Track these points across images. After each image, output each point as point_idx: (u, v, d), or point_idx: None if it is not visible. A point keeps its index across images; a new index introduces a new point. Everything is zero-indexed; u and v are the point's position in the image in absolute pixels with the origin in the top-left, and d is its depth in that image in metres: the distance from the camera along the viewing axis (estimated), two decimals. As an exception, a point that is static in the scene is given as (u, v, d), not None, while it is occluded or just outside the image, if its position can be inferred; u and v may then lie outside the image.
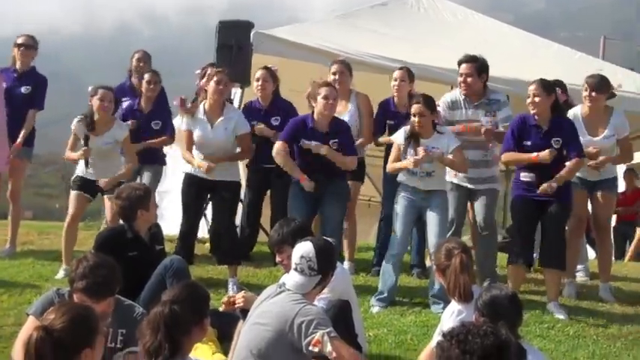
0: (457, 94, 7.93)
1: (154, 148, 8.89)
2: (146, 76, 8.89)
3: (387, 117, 8.45)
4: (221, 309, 5.33)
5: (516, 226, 7.60)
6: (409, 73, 8.45)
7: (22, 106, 8.69)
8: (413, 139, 7.31)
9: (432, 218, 7.26)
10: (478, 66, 7.76)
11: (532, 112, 7.28)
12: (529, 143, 7.29)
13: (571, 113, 7.75)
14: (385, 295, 7.21)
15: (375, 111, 8.56)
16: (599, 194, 7.92)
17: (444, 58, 9.62)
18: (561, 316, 7.07)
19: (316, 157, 7.43)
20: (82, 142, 7.89)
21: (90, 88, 8.06)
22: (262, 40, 9.50)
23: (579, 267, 8.55)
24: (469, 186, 7.81)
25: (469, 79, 7.74)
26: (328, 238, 5.24)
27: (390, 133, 8.20)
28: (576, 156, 7.23)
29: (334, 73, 8.30)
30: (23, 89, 8.74)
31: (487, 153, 7.85)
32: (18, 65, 8.83)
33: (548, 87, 7.31)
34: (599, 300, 7.73)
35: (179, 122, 8.25)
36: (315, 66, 9.09)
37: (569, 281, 7.93)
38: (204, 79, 7.99)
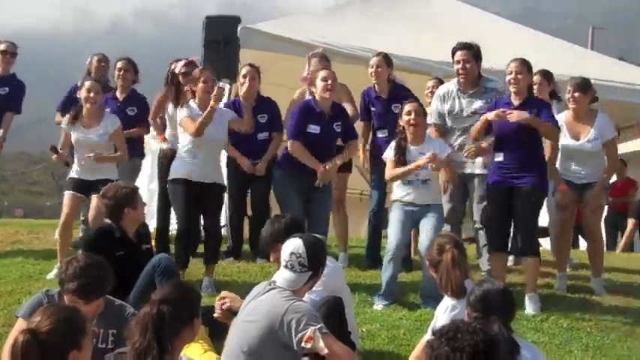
0: (450, 85, 7.88)
1: (131, 140, 8.69)
2: (119, 64, 8.91)
3: (370, 104, 8.42)
4: (216, 315, 5.25)
5: (489, 214, 7.43)
6: (386, 59, 8.37)
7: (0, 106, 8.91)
8: (403, 147, 7.27)
9: (426, 225, 7.19)
10: (474, 52, 7.73)
11: (512, 89, 7.21)
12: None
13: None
14: (386, 302, 7.08)
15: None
16: (588, 196, 7.79)
17: (431, 49, 9.61)
18: (531, 311, 6.94)
19: (316, 150, 7.48)
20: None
21: (78, 84, 8.04)
22: (249, 35, 9.51)
23: None
24: (466, 172, 7.73)
25: (467, 65, 7.66)
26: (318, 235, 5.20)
27: (372, 122, 8.36)
28: (552, 123, 7.17)
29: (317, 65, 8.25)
30: (1, 90, 8.96)
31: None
32: None
33: (529, 65, 7.27)
34: (591, 292, 7.70)
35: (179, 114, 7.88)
36: (303, 60, 9.04)
37: (561, 275, 7.90)
38: (193, 83, 7.90)
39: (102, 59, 9.40)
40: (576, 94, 7.63)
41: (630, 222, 12.54)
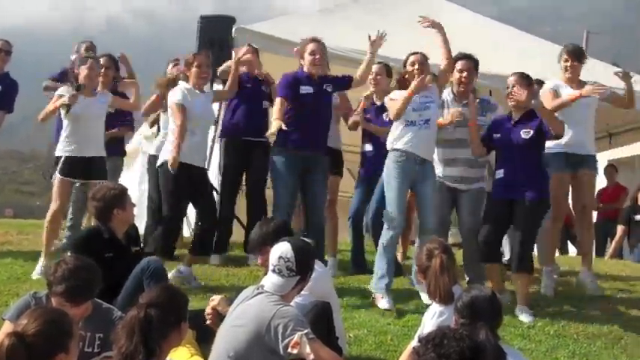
0: (444, 94, 7.82)
1: (111, 139, 8.70)
2: (102, 61, 8.82)
3: (365, 112, 8.44)
4: (208, 322, 5.22)
5: (484, 227, 7.24)
6: (387, 69, 8.42)
7: None
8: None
9: (424, 197, 7.22)
10: (475, 64, 7.79)
11: (511, 103, 7.17)
12: (498, 136, 7.19)
13: (550, 84, 7.75)
14: (388, 280, 7.05)
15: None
16: (583, 173, 7.85)
17: (426, 51, 9.58)
18: (527, 319, 6.90)
19: (314, 116, 7.46)
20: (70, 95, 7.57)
21: (76, 57, 7.93)
22: (244, 35, 9.46)
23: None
24: (454, 186, 7.68)
25: (465, 74, 7.71)
26: (307, 239, 5.20)
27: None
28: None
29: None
30: None
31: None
32: None
33: (530, 79, 7.25)
34: (578, 299, 7.70)
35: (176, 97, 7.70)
36: (297, 61, 9.03)
37: (549, 269, 7.88)
38: (183, 67, 7.93)
39: (90, 47, 9.43)
40: (575, 63, 7.78)
41: (619, 228, 12.57)
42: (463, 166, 7.65)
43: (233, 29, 9.40)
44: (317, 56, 7.51)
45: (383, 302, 6.99)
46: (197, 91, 7.63)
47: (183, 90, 7.59)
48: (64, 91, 7.71)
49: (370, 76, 8.28)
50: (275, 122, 7.22)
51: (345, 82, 7.78)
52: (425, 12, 11.38)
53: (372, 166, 8.14)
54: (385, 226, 7.16)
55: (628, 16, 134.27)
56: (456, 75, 7.74)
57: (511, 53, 10.41)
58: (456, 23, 10.95)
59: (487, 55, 8.56)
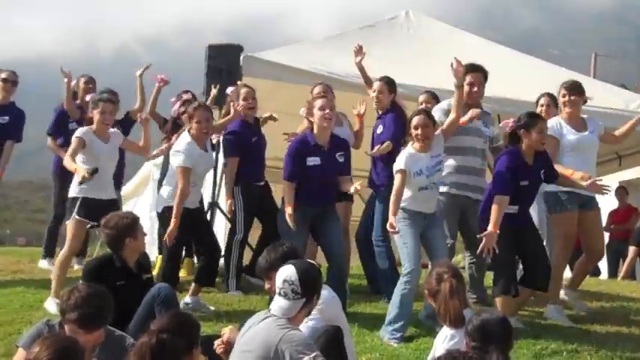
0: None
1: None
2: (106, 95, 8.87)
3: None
4: (218, 352, 5.21)
5: (502, 256, 7.01)
6: (388, 85, 8.30)
7: None
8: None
9: (435, 236, 7.13)
10: (484, 75, 7.90)
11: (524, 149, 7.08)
12: (527, 183, 7.07)
13: (553, 122, 7.69)
14: (403, 322, 6.90)
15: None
16: (592, 212, 7.82)
17: (433, 77, 9.63)
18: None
19: (322, 185, 7.39)
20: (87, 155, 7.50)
21: (90, 101, 7.91)
22: (252, 64, 9.53)
23: None
24: (467, 194, 7.76)
25: (475, 88, 7.80)
26: (312, 261, 5.19)
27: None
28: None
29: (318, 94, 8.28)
30: (0, 119, 9.06)
31: (485, 162, 7.91)
32: None
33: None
34: (592, 321, 7.67)
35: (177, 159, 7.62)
36: (305, 88, 9.08)
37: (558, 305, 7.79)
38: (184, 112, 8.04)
39: (88, 81, 9.51)
40: (572, 97, 7.71)
41: (631, 249, 12.55)
42: (474, 174, 7.80)
43: (241, 57, 9.46)
44: (327, 111, 7.31)
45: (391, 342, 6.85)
46: (201, 149, 7.60)
47: (189, 150, 7.50)
48: (81, 133, 7.55)
49: (372, 94, 8.29)
50: (291, 224, 7.11)
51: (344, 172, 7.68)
52: (431, 38, 11.55)
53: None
54: (402, 278, 7.01)
55: (635, 41, 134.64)
56: (465, 88, 7.64)
57: (517, 77, 10.45)
58: (463, 48, 11.05)
59: (493, 79, 8.60)
